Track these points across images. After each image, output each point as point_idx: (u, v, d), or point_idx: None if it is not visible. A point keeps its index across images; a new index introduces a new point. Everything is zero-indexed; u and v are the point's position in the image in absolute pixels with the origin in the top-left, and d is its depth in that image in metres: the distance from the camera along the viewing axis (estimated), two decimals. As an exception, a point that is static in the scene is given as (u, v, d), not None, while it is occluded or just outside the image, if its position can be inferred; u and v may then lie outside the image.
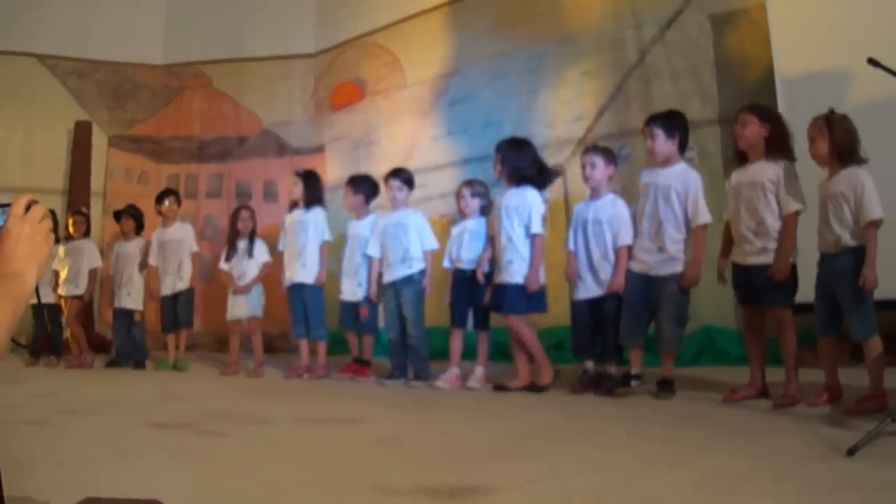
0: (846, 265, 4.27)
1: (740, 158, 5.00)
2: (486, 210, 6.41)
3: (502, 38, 8.87)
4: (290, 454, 3.59)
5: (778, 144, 4.81)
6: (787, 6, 6.32)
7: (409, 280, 6.53)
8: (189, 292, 8.23)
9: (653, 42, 7.56)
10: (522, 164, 6.01)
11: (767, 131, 4.83)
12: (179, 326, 8.21)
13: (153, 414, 4.87)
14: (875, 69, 3.71)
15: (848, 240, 4.31)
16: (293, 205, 7.53)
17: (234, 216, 7.91)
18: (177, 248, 8.18)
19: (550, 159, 6.99)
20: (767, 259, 4.74)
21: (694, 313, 5.42)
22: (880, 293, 4.27)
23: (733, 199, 4.96)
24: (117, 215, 8.68)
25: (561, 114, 8.27)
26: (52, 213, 7.97)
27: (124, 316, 8.38)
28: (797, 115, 5.61)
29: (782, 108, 6.06)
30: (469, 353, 6.36)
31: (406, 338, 6.54)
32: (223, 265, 7.84)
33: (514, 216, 5.90)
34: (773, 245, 4.73)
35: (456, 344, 6.31)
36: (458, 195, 6.49)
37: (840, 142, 4.32)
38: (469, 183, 6.53)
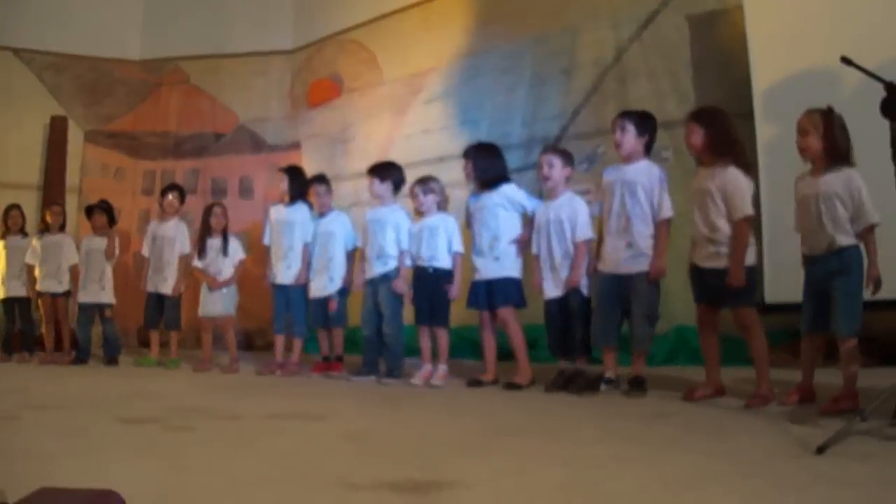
0: (840, 264, 4.23)
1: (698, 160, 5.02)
2: (442, 206, 6.42)
3: (480, 37, 8.87)
4: (256, 449, 3.55)
5: (720, 148, 4.80)
6: (764, 7, 6.33)
7: (386, 277, 6.51)
8: (174, 299, 8.12)
9: (630, 41, 7.57)
10: (493, 169, 6.10)
11: (709, 136, 4.83)
12: (168, 328, 8.15)
13: (122, 409, 4.81)
14: (850, 69, 3.71)
15: (842, 241, 4.26)
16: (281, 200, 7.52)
17: (207, 213, 7.86)
18: (166, 246, 8.11)
19: (526, 158, 6.99)
20: (720, 263, 4.73)
21: (667, 313, 5.42)
22: (866, 294, 4.25)
23: (693, 203, 4.97)
24: (89, 210, 8.59)
25: (537, 112, 8.26)
26: (17, 207, 7.93)
27: (91, 310, 8.31)
28: (773, 115, 5.63)
29: (758, 108, 6.09)
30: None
31: (381, 335, 6.51)
32: (197, 263, 7.78)
33: (497, 213, 5.93)
34: (724, 250, 4.72)
35: (425, 342, 6.29)
36: (411, 194, 6.45)
37: (838, 140, 4.26)
38: (420, 181, 6.47)
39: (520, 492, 2.65)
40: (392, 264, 6.51)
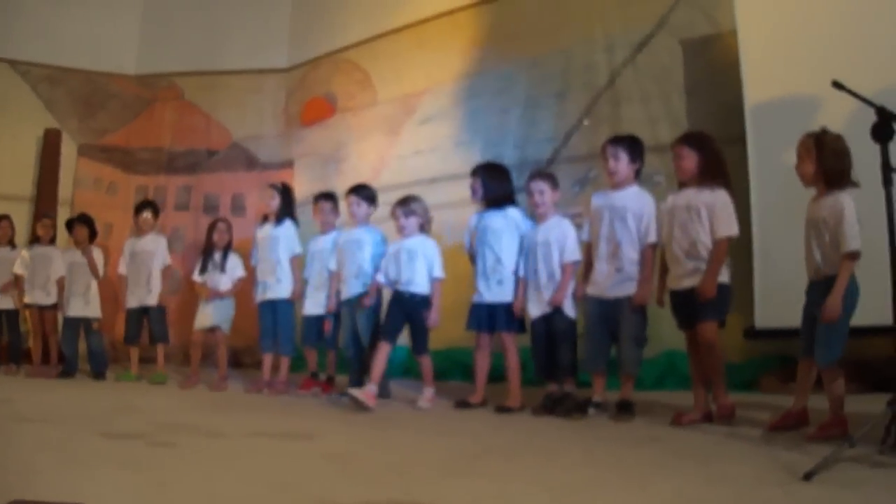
0: (826, 292, 4.13)
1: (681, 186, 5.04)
2: (425, 228, 6.35)
3: (474, 58, 8.87)
4: (238, 467, 3.52)
5: (712, 171, 4.84)
6: (757, 32, 6.33)
7: (362, 297, 6.47)
8: (159, 310, 8.11)
9: (623, 65, 7.57)
10: (502, 189, 6.06)
11: (700, 159, 4.87)
12: (155, 342, 8.10)
13: (107, 424, 4.78)
14: (843, 94, 3.70)
15: (825, 268, 4.23)
16: (264, 218, 7.48)
17: (211, 228, 7.83)
18: (147, 259, 8.08)
19: (518, 180, 6.95)
20: (697, 281, 4.76)
21: (657, 337, 5.40)
22: (858, 320, 4.19)
23: (667, 222, 4.99)
24: (69, 223, 8.56)
25: (530, 135, 8.25)
26: (6, 217, 7.92)
27: (76, 325, 8.27)
28: (765, 139, 5.62)
29: (750, 132, 6.08)
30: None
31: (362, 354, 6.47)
32: (197, 277, 7.75)
33: (502, 237, 5.90)
34: (703, 266, 4.76)
35: (381, 358, 6.00)
36: (393, 215, 6.36)
37: (827, 164, 4.19)
38: (400, 203, 6.35)
39: (501, 515, 2.63)
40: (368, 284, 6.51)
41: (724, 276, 4.77)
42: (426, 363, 6.19)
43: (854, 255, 4.06)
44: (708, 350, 4.76)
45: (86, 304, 8.26)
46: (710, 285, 4.69)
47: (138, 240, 8.24)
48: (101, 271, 8.34)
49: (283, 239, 7.26)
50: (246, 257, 7.55)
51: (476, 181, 6.08)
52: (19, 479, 3.06)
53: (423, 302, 6.11)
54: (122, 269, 8.18)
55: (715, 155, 4.90)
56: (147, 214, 8.22)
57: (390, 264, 6.27)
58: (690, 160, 4.88)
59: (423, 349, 6.19)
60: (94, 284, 8.27)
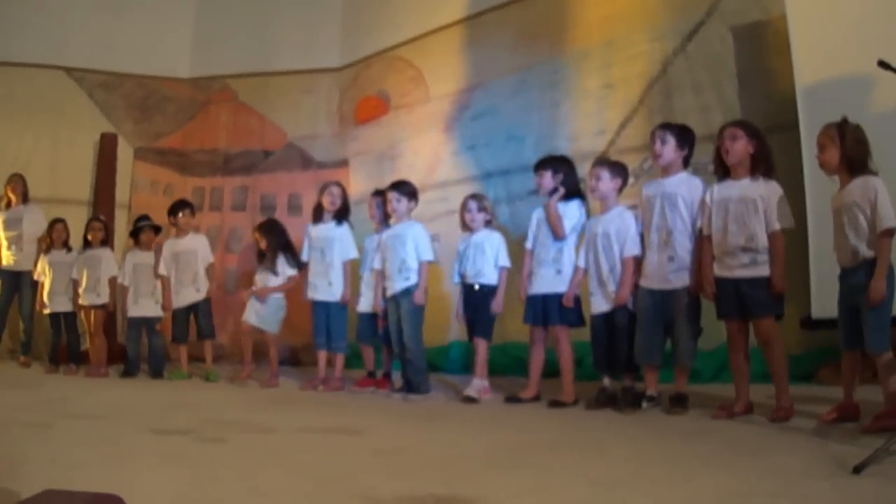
0: (867, 276, 4.13)
1: (723, 172, 4.96)
2: (490, 224, 6.42)
3: (524, 52, 8.81)
4: (285, 462, 3.54)
5: (764, 162, 4.81)
6: (808, 16, 6.19)
7: (407, 292, 6.45)
8: (207, 303, 8.20)
9: (675, 54, 7.47)
10: (569, 181, 6.00)
11: (754, 148, 4.82)
12: (203, 338, 8.20)
13: (157, 420, 4.84)
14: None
15: (865, 251, 4.19)
16: (317, 215, 7.48)
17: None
18: (191, 259, 8.16)
19: (574, 173, 6.91)
20: (755, 272, 4.72)
21: (715, 330, 5.29)
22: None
23: (719, 215, 4.91)
24: (135, 231, 8.65)
25: (583, 127, 8.19)
26: (61, 221, 8.06)
27: (140, 325, 8.35)
28: (819, 125, 5.50)
29: (803, 118, 5.96)
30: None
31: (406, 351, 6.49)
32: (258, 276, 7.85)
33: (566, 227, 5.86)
34: (761, 258, 4.72)
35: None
36: (463, 208, 6.46)
37: (851, 152, 4.23)
38: (475, 196, 6.53)
39: (539, 509, 2.61)
40: (414, 278, 6.45)
41: None
42: (482, 347, 6.23)
43: (892, 232, 4.09)
44: (767, 347, 4.71)
45: (154, 304, 8.35)
46: (780, 279, 4.66)
47: (178, 240, 8.31)
48: (210, 257, 8.40)
49: (339, 241, 7.25)
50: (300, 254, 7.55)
51: (544, 174, 6.04)
52: (68, 472, 3.11)
53: (492, 292, 6.22)
54: (163, 269, 8.24)
55: (767, 146, 4.86)
56: (183, 215, 8.29)
57: (460, 261, 6.40)
58: (742, 144, 4.82)
59: (486, 333, 6.27)
60: (159, 284, 8.37)
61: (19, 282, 8.96)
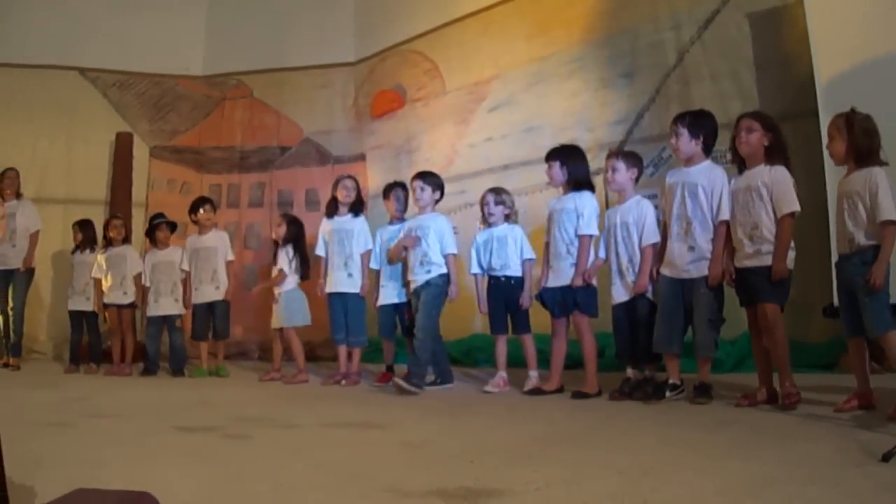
0: (862, 263, 4.22)
1: (741, 162, 4.99)
2: (510, 217, 6.42)
3: (540, 43, 8.81)
4: (310, 456, 3.53)
5: (777, 153, 4.82)
6: (825, 2, 6.17)
7: (427, 284, 6.44)
8: (225, 305, 8.25)
9: (691, 43, 7.46)
10: (582, 170, 6.02)
11: (769, 140, 4.84)
12: (217, 338, 8.26)
13: (182, 418, 4.85)
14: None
15: (862, 239, 4.27)
16: (331, 209, 7.47)
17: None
18: (211, 255, 8.21)
19: (591, 163, 6.89)
20: (760, 262, 4.76)
21: (737, 318, 5.28)
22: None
23: (734, 205, 4.95)
24: (150, 230, 8.68)
25: (601, 117, 8.18)
26: (87, 222, 8.05)
27: (160, 323, 8.39)
28: (838, 111, 5.48)
29: (822, 105, 5.94)
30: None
31: (439, 342, 6.48)
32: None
33: (575, 219, 5.85)
34: (766, 247, 4.75)
35: (501, 350, 6.32)
36: (482, 202, 6.46)
37: (858, 142, 4.28)
38: (494, 190, 6.52)
39: (570, 501, 2.60)
40: (436, 270, 6.45)
41: (789, 261, 4.75)
42: (528, 342, 6.22)
43: (893, 223, 4.15)
44: (769, 333, 4.74)
45: (174, 302, 8.38)
46: (780, 265, 4.68)
47: (200, 237, 8.35)
48: (230, 255, 8.43)
49: (357, 233, 7.25)
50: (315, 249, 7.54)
51: (553, 166, 6.03)
52: (93, 471, 3.11)
53: (519, 284, 6.22)
54: (186, 264, 8.29)
55: (783, 139, 4.87)
56: (204, 211, 8.32)
57: (481, 254, 6.39)
58: (758, 136, 4.84)
59: (524, 328, 6.26)
60: (180, 282, 8.40)
61: (11, 278, 8.79)
